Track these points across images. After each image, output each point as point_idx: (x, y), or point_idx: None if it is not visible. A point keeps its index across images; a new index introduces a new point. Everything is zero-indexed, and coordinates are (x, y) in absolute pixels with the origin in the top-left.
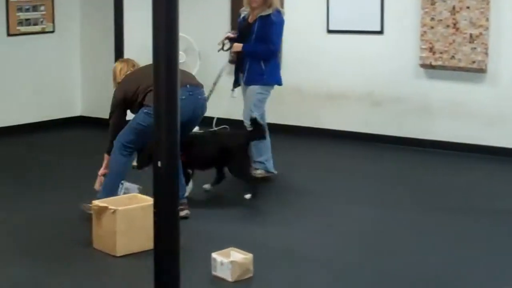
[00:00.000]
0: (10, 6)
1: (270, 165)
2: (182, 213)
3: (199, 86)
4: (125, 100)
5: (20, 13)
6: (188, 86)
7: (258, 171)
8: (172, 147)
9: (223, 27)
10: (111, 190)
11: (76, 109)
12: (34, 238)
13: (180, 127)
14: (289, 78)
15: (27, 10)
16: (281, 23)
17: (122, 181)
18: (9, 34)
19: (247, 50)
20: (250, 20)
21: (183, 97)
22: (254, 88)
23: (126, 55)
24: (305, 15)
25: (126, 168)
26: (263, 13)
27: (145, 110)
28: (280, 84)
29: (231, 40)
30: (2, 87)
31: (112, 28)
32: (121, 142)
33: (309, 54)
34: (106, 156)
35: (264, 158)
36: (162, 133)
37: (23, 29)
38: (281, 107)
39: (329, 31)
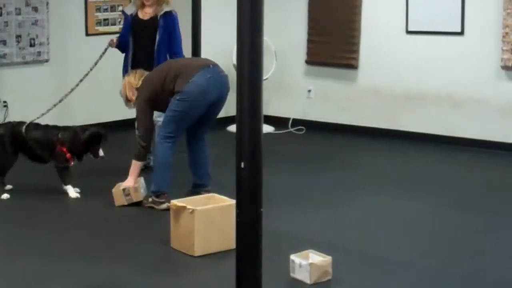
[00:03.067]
0: (89, 6)
1: None
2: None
3: (217, 65)
4: (151, 98)
5: (98, 13)
6: (210, 66)
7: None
8: (254, 148)
9: (300, 27)
10: (161, 182)
11: None
12: (113, 237)
13: (211, 106)
14: (366, 79)
15: (105, 10)
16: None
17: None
18: (87, 34)
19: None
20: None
21: (209, 75)
22: None
23: (203, 54)
24: (384, 16)
25: (172, 158)
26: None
27: (177, 97)
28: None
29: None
30: (81, 86)
31: (190, 26)
32: (162, 134)
33: (387, 55)
34: (135, 162)
35: None
36: (245, 134)
37: (101, 29)
38: (357, 108)
39: (408, 32)
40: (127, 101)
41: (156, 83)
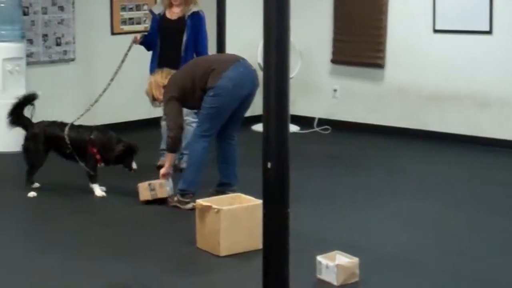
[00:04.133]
0: (114, 5)
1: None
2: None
3: (245, 59)
4: (180, 95)
5: (123, 12)
6: (240, 60)
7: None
8: (281, 148)
9: (326, 25)
10: (191, 182)
11: None
12: (138, 236)
13: (243, 101)
14: (393, 79)
15: (131, 9)
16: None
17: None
18: (113, 33)
19: None
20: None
21: (241, 69)
22: None
23: (228, 51)
24: (411, 14)
25: (207, 158)
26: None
27: (211, 94)
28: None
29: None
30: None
31: (214, 25)
32: (197, 133)
33: (414, 54)
34: (168, 154)
35: None
36: (272, 134)
37: (126, 28)
38: (384, 108)
39: (436, 31)
40: (154, 100)
41: (185, 80)
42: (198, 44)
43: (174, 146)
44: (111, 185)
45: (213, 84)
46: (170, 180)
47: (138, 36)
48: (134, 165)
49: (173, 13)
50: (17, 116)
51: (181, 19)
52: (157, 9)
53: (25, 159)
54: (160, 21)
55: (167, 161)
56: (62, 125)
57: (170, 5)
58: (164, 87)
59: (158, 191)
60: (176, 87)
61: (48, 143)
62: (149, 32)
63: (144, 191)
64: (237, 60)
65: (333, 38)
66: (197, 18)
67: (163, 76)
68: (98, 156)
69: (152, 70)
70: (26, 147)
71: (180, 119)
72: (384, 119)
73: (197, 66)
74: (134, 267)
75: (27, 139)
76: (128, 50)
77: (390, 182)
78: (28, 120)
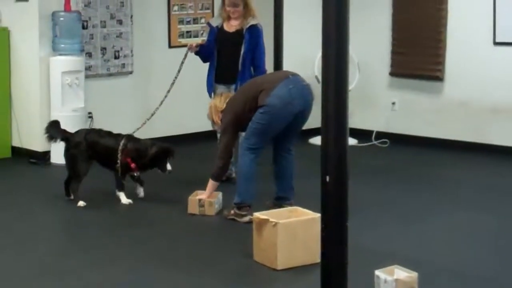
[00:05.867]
0: (172, 18)
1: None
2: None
3: (297, 74)
4: (235, 119)
5: (181, 26)
6: (290, 76)
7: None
8: (340, 162)
9: (384, 38)
10: (245, 194)
11: None
12: (194, 248)
13: (297, 116)
14: (453, 92)
15: (188, 22)
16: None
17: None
18: (170, 46)
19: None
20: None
21: (291, 86)
22: None
23: (285, 65)
24: (470, 26)
25: (255, 170)
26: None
27: (260, 111)
28: None
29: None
30: (167, 98)
31: (271, 38)
32: (245, 146)
33: (474, 66)
34: (211, 181)
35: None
36: (330, 148)
37: (184, 41)
38: (444, 121)
39: (496, 43)
40: (214, 123)
41: (239, 104)
42: (255, 57)
43: (220, 175)
44: (161, 195)
45: (262, 103)
46: (220, 197)
47: (194, 44)
48: (169, 167)
49: (231, 26)
50: (54, 131)
51: (239, 32)
52: (215, 22)
53: (68, 169)
54: (217, 34)
55: (208, 188)
56: (103, 133)
57: (228, 18)
58: (222, 111)
59: (206, 209)
60: (232, 111)
61: (90, 151)
62: (205, 44)
63: (193, 205)
64: (286, 77)
65: (392, 50)
66: (255, 31)
67: (222, 101)
68: (133, 165)
69: (209, 83)
70: (70, 156)
71: (231, 148)
72: (443, 133)
73: (249, 89)
74: (192, 279)
75: (70, 148)
76: (184, 58)
77: (449, 196)
78: (66, 131)
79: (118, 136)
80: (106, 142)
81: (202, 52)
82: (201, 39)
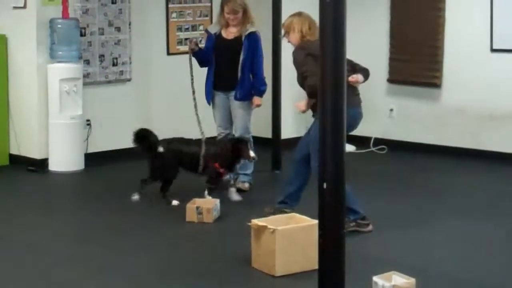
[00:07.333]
0: (170, 25)
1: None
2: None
3: None
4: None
5: (179, 33)
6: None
7: (246, 184)
8: (337, 169)
9: (382, 45)
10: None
11: None
12: (192, 255)
13: None
14: (451, 98)
15: (187, 29)
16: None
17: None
18: (169, 53)
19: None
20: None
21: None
22: (248, 104)
23: (283, 71)
24: (468, 33)
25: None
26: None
27: None
28: None
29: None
30: (164, 104)
31: (270, 42)
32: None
33: (471, 73)
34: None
35: (250, 170)
36: (328, 155)
37: (182, 48)
38: (442, 128)
39: (493, 50)
40: None
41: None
42: (254, 64)
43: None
44: (160, 203)
45: None
46: (218, 204)
47: (194, 39)
48: (252, 154)
49: (230, 33)
50: (142, 138)
51: (237, 39)
52: (213, 29)
53: (158, 176)
54: (215, 41)
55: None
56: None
57: (227, 25)
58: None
59: (205, 216)
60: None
61: (177, 158)
62: (204, 50)
63: (191, 213)
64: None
65: (390, 57)
66: (254, 38)
67: None
68: (221, 170)
69: (208, 91)
70: (159, 163)
71: None
72: (441, 139)
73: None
74: (190, 286)
75: (158, 155)
76: (190, 58)
77: (447, 203)
78: (155, 137)
79: (195, 142)
80: (189, 149)
81: (200, 56)
82: (200, 46)
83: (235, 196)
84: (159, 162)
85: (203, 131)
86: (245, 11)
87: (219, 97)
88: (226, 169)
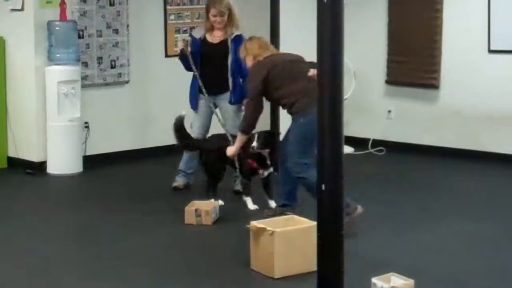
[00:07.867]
0: (168, 28)
1: None
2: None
3: None
4: (265, 83)
5: (177, 35)
6: None
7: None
8: (335, 170)
9: (380, 46)
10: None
11: None
12: (192, 257)
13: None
14: (448, 99)
15: (185, 31)
16: None
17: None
18: (167, 55)
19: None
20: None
21: None
22: (239, 106)
23: None
24: (465, 34)
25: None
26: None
27: (301, 121)
28: None
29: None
30: (161, 108)
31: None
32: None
33: (469, 74)
34: (240, 134)
35: None
36: (326, 156)
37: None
38: (439, 129)
39: (491, 51)
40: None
41: (273, 77)
42: (241, 66)
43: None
44: (159, 205)
45: (302, 111)
46: (217, 206)
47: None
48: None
49: (215, 37)
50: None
51: (223, 43)
52: (198, 33)
53: (206, 174)
54: (201, 45)
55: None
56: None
57: (212, 29)
58: None
59: (203, 218)
60: (266, 71)
61: (222, 155)
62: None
63: (190, 216)
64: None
65: (388, 59)
66: (240, 41)
67: None
68: (255, 166)
69: (193, 96)
70: (206, 161)
71: None
72: (439, 140)
73: (292, 75)
74: (187, 287)
75: (204, 153)
76: (189, 52)
77: (446, 204)
78: (195, 140)
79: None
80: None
81: (185, 60)
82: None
83: (251, 206)
84: (207, 159)
85: (227, 129)
86: (230, 14)
87: (203, 103)
88: (260, 165)
